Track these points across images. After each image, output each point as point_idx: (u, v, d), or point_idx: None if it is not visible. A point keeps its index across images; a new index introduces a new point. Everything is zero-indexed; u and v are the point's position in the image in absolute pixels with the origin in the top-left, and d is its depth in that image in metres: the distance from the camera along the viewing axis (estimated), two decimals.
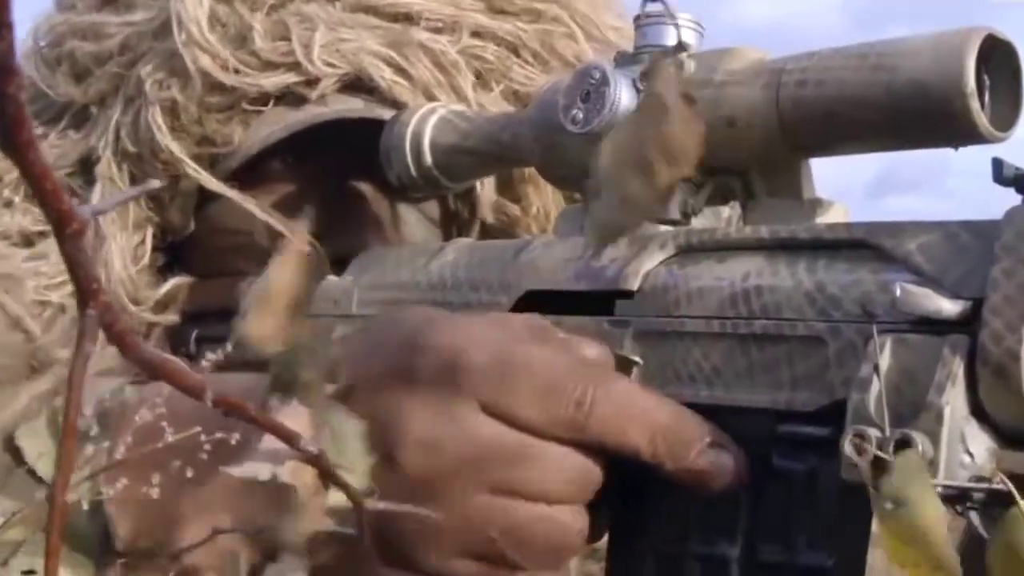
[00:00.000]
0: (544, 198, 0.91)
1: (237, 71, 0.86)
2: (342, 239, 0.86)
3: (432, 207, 0.93)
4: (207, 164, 0.87)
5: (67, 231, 0.35)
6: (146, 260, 0.89)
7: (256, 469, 0.47)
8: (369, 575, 0.55)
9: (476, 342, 0.55)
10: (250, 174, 0.88)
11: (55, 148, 0.91)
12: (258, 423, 0.44)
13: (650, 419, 0.55)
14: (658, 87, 0.50)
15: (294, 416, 0.46)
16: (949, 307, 0.49)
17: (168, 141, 0.86)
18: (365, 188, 0.89)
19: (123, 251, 0.88)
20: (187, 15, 0.85)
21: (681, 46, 0.63)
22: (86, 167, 0.90)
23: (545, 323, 0.59)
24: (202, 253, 0.91)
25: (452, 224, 0.92)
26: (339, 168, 0.89)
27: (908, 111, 0.55)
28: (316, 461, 0.46)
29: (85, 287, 0.37)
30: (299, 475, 0.47)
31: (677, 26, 0.64)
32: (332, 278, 0.79)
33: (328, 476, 0.47)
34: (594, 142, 0.63)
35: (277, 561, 0.50)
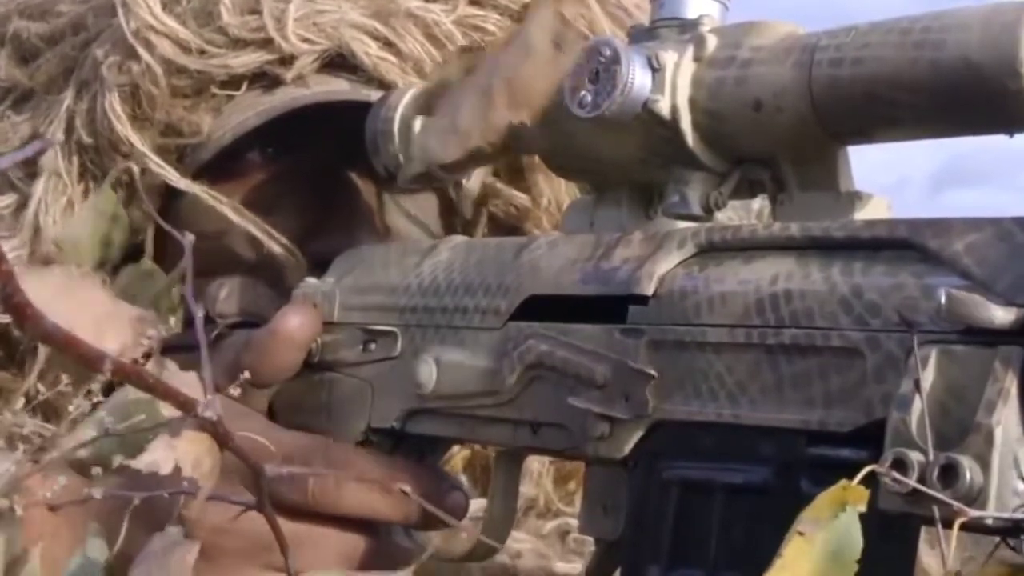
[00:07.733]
0: (556, 188, 0.91)
1: (202, 52, 0.86)
2: (328, 237, 0.86)
3: (430, 199, 0.93)
4: (174, 156, 0.87)
5: None
6: None
7: (157, 461, 0.52)
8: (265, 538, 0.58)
9: None
10: (224, 166, 0.88)
11: None
12: (155, 391, 0.49)
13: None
14: (530, 26, 0.50)
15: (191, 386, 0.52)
16: (1001, 316, 0.49)
17: (128, 132, 0.86)
18: (352, 179, 0.89)
19: None
20: None
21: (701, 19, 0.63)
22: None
23: None
24: (170, 252, 0.91)
25: (454, 218, 0.92)
26: (323, 157, 0.89)
27: (956, 92, 0.55)
28: (212, 428, 0.51)
29: None
30: (199, 465, 0.50)
31: None
32: (311, 280, 0.79)
33: (225, 444, 0.52)
34: (604, 127, 0.64)
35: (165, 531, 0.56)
